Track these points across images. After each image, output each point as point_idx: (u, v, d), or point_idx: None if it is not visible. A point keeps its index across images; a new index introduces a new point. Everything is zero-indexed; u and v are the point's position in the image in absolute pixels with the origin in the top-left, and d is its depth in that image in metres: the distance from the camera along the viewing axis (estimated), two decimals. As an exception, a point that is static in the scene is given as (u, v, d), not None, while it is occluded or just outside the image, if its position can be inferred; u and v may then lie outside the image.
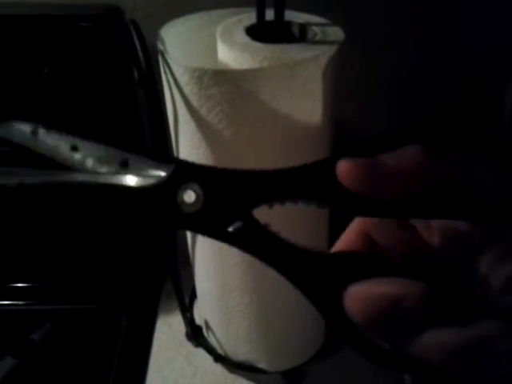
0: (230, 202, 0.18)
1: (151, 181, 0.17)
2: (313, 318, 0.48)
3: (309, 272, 0.17)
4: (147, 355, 0.51)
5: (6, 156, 0.48)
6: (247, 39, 0.32)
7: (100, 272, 0.57)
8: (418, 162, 0.16)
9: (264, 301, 0.42)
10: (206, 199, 0.17)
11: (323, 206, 0.17)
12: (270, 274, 0.40)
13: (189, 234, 0.42)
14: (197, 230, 0.18)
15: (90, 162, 0.18)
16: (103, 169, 0.18)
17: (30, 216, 0.52)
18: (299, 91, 0.30)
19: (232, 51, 0.31)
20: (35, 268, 0.57)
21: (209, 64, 0.30)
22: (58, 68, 0.42)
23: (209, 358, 0.49)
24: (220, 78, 0.29)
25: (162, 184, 0.17)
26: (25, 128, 0.19)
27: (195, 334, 0.50)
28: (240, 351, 0.47)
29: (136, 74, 0.32)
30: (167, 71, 0.31)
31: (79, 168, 0.18)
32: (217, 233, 0.18)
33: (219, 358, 0.49)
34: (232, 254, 0.38)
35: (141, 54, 0.30)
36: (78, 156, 0.18)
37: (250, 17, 0.35)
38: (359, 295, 0.16)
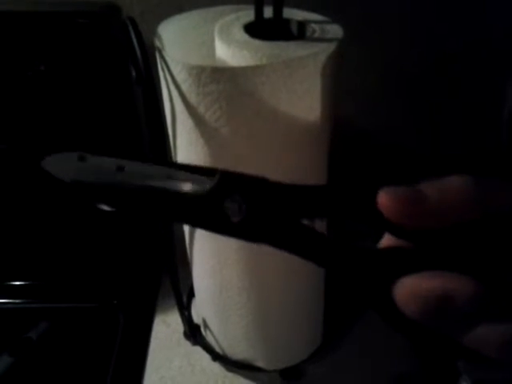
0: (272, 215, 0.19)
1: (200, 189, 0.18)
2: (311, 317, 0.48)
3: (361, 269, 0.18)
4: (145, 354, 0.51)
5: (3, 153, 0.48)
6: (245, 37, 0.32)
7: (98, 270, 0.57)
8: (463, 195, 0.15)
9: (262, 299, 0.42)
10: (249, 211, 0.18)
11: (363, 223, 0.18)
12: (268, 272, 0.40)
13: (186, 233, 0.42)
14: (241, 238, 0.19)
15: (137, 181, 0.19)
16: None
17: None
18: (298, 89, 0.30)
19: (230, 49, 0.30)
20: (33, 266, 0.57)
21: (207, 61, 0.30)
22: (55, 65, 0.42)
23: (207, 357, 0.49)
24: (218, 75, 0.28)
25: (210, 193, 0.18)
26: (72, 156, 0.19)
27: (193, 333, 0.50)
28: (238, 350, 0.47)
29: (133, 71, 0.32)
30: (165, 68, 0.31)
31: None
32: (261, 238, 0.19)
33: (217, 357, 0.49)
34: (230, 252, 0.38)
35: (138, 51, 0.30)
36: (124, 176, 0.19)
37: (248, 14, 0.34)
38: (411, 289, 0.16)
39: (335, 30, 0.33)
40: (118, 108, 0.47)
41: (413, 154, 0.53)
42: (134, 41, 0.30)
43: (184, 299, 0.49)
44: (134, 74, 0.32)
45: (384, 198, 0.16)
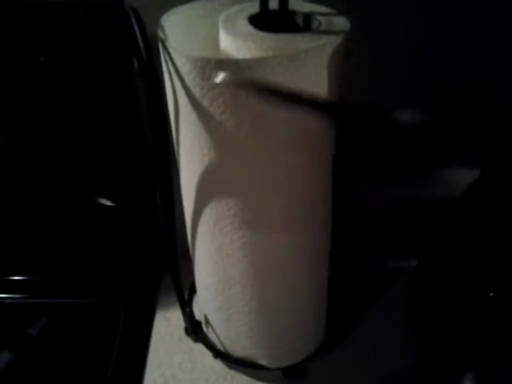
0: None
1: None
2: (314, 315, 0.47)
3: None
4: (146, 350, 0.50)
5: (2, 146, 0.48)
6: (250, 28, 0.31)
7: (99, 266, 0.57)
8: None
9: (265, 297, 0.41)
10: None
11: None
12: (272, 270, 0.40)
13: (189, 229, 0.41)
14: None
15: None
16: None
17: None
18: (303, 82, 0.30)
19: (235, 41, 0.30)
20: (33, 261, 0.57)
21: (211, 53, 0.29)
22: (56, 56, 0.41)
23: (208, 354, 0.49)
24: (223, 67, 0.28)
25: None
26: None
27: (194, 330, 0.49)
28: (240, 347, 0.46)
29: (136, 62, 0.31)
30: (168, 60, 0.31)
31: None
32: None
33: (219, 354, 0.48)
34: (234, 249, 0.38)
35: (141, 43, 0.29)
36: None
37: (252, 6, 0.34)
38: None
39: (341, 23, 0.32)
40: (118, 99, 0.46)
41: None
42: (137, 32, 0.29)
43: (185, 295, 0.48)
44: (136, 65, 0.31)
45: None
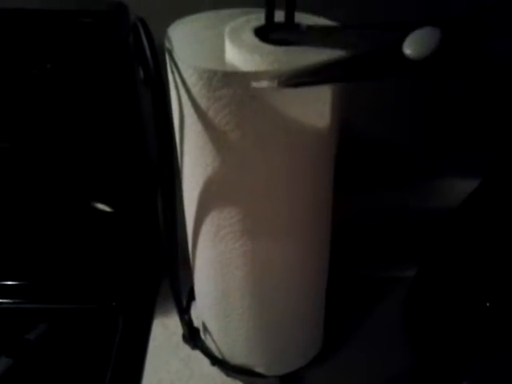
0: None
1: None
2: (311, 324, 0.47)
3: None
4: (143, 356, 0.51)
5: (5, 152, 0.48)
6: (256, 40, 0.31)
7: (97, 272, 0.57)
8: None
9: (263, 306, 0.42)
10: None
11: None
12: (271, 279, 0.40)
13: (190, 237, 0.42)
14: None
15: None
16: None
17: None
18: (308, 94, 0.30)
19: (241, 52, 0.30)
20: (32, 266, 0.57)
21: (217, 65, 0.30)
22: (61, 63, 0.41)
23: (206, 361, 0.49)
24: (230, 79, 0.28)
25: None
26: None
27: (192, 337, 0.49)
28: (237, 354, 0.46)
29: (141, 72, 0.31)
30: (175, 71, 0.31)
31: None
32: None
33: (216, 361, 0.48)
34: (234, 257, 0.38)
35: (148, 52, 0.29)
36: None
37: (257, 18, 0.34)
38: None
39: (346, 36, 0.32)
40: (121, 107, 0.46)
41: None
42: (145, 41, 0.30)
43: (183, 302, 0.48)
44: (141, 74, 0.31)
45: None
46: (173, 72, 0.31)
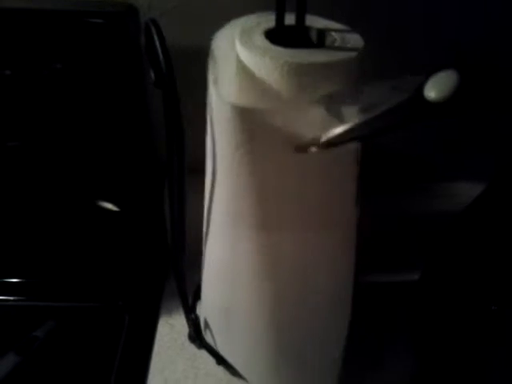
0: None
1: None
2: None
3: None
4: (149, 355, 0.51)
5: (15, 150, 0.48)
6: (267, 43, 0.32)
7: (103, 271, 0.57)
8: None
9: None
10: None
11: None
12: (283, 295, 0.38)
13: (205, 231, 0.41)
14: None
15: None
16: None
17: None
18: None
19: (252, 55, 0.30)
20: (39, 264, 0.57)
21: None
22: (71, 64, 0.42)
23: (211, 361, 0.49)
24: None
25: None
26: None
27: (198, 336, 0.49)
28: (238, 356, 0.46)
29: (152, 73, 0.32)
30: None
31: None
32: None
33: (222, 361, 0.48)
34: (242, 261, 0.38)
35: (161, 54, 0.29)
36: None
37: (268, 20, 0.34)
38: None
39: (355, 40, 0.33)
40: (129, 106, 0.47)
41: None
42: (157, 42, 0.30)
43: (189, 301, 0.49)
44: (152, 76, 0.32)
45: None
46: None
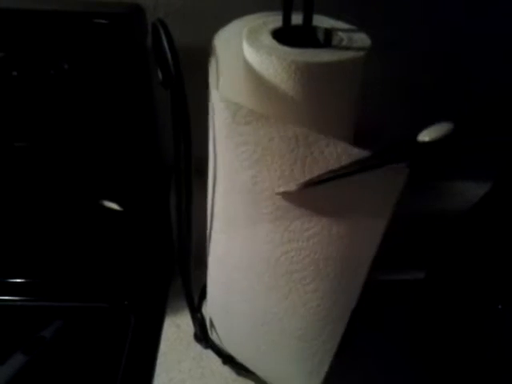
0: None
1: None
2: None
3: None
4: (155, 355, 0.51)
5: (23, 150, 0.48)
6: (274, 42, 0.32)
7: (109, 271, 0.57)
8: None
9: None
10: None
11: None
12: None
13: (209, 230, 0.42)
14: None
15: None
16: None
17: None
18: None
19: (258, 54, 0.30)
20: (45, 265, 0.57)
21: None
22: (78, 64, 0.42)
23: (217, 360, 0.49)
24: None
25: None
26: None
27: (204, 336, 0.50)
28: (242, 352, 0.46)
29: (160, 74, 0.32)
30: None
31: None
32: None
33: (227, 360, 0.49)
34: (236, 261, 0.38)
35: (169, 55, 0.29)
36: None
37: (274, 20, 0.34)
38: None
39: (362, 39, 0.33)
40: (135, 106, 0.47)
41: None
42: (165, 43, 0.30)
43: (195, 301, 0.49)
44: (160, 76, 0.32)
45: None
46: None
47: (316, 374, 0.42)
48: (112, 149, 0.49)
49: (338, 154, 0.28)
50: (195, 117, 0.33)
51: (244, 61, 0.32)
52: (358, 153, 0.27)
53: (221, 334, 0.47)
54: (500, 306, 0.42)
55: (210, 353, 0.50)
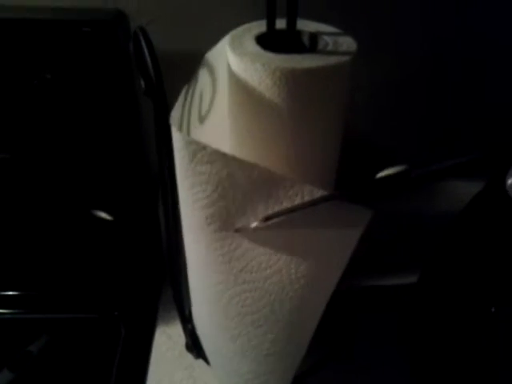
0: None
1: None
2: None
3: None
4: (146, 366, 0.50)
5: (5, 162, 0.48)
6: (258, 48, 0.31)
7: (99, 281, 0.56)
8: None
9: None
10: None
11: None
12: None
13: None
14: None
15: None
16: None
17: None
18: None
19: (243, 61, 0.30)
20: (32, 276, 0.56)
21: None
22: (62, 73, 0.41)
23: (209, 370, 0.49)
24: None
25: None
26: None
27: (196, 346, 0.49)
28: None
29: (142, 81, 0.31)
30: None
31: None
32: None
33: (220, 370, 0.48)
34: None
35: (150, 62, 0.29)
36: None
37: (259, 25, 0.34)
38: None
39: (348, 43, 0.32)
40: (121, 115, 0.46)
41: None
42: (145, 51, 0.29)
43: (186, 311, 0.48)
44: (142, 84, 0.31)
45: None
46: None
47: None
48: (98, 157, 0.48)
49: (302, 194, 0.27)
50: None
51: (228, 68, 0.32)
52: (321, 194, 0.26)
53: (203, 342, 0.46)
54: (493, 309, 0.42)
55: (201, 363, 0.49)
